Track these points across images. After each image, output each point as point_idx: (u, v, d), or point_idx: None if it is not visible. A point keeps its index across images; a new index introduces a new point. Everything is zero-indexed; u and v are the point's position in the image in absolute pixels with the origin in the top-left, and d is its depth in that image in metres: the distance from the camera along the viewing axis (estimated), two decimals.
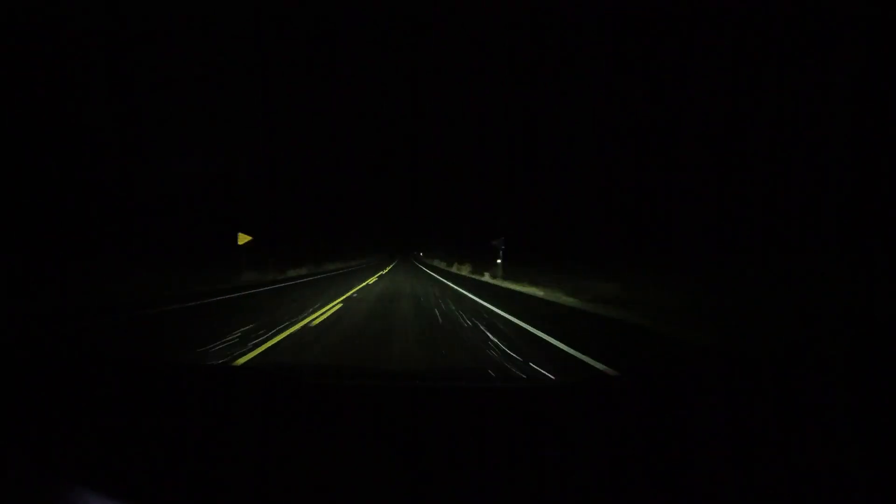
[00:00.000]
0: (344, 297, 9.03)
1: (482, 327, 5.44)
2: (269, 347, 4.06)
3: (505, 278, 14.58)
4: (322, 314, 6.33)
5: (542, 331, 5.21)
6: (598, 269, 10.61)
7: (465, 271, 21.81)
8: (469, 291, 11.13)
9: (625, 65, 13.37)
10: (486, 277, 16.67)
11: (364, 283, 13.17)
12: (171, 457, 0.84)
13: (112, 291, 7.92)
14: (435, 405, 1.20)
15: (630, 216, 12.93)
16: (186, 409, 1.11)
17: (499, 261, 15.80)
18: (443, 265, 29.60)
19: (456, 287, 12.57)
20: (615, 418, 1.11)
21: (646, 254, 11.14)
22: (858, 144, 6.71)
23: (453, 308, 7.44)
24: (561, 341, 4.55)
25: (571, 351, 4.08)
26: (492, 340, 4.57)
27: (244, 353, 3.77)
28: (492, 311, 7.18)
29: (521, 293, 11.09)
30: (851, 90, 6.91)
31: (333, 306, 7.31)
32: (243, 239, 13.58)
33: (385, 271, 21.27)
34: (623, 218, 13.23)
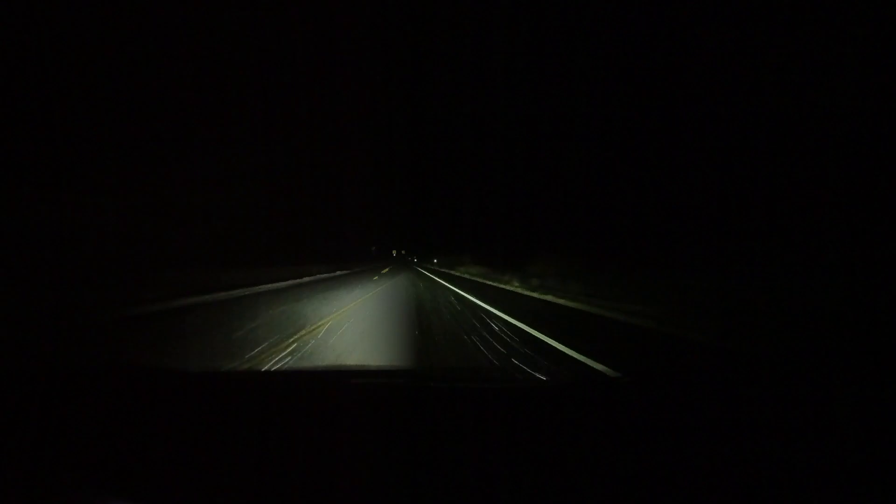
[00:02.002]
0: None
1: None
2: None
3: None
4: None
5: None
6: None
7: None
8: None
9: (627, 65, 13.35)
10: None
11: None
12: (172, 461, 0.85)
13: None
14: (434, 405, 1.20)
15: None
16: (187, 413, 1.12)
17: None
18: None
19: None
20: (610, 419, 1.12)
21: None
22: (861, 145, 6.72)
23: None
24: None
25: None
26: None
27: None
28: None
29: None
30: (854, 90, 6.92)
31: None
32: None
33: None
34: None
